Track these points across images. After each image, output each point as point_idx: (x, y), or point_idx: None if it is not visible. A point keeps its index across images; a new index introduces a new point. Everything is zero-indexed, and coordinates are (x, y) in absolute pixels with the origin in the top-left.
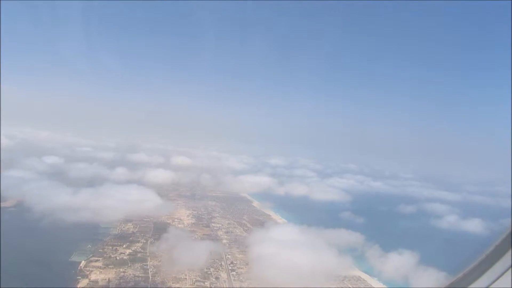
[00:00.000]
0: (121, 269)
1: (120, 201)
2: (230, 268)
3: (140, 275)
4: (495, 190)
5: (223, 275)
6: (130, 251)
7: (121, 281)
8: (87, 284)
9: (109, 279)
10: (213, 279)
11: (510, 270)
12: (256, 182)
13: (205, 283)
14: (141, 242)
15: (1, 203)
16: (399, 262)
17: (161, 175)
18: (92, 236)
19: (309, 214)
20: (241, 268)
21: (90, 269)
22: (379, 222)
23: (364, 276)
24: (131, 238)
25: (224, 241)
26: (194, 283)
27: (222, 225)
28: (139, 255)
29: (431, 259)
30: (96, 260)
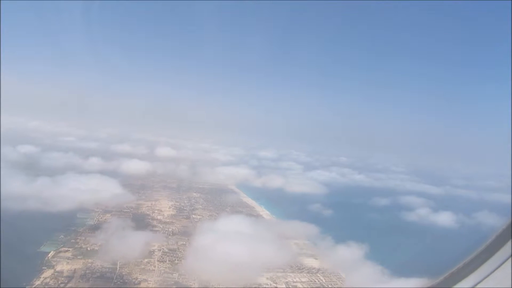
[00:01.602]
0: (90, 260)
1: (74, 191)
2: None
3: (108, 266)
4: (484, 184)
5: None
6: (103, 242)
7: (87, 271)
8: (51, 274)
9: (75, 269)
10: (182, 271)
11: (510, 260)
12: (233, 173)
13: (173, 274)
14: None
15: None
16: (343, 255)
17: (135, 166)
18: (66, 226)
19: (278, 206)
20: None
21: (58, 259)
22: (345, 214)
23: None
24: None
25: None
26: (161, 274)
27: (203, 216)
28: (110, 246)
29: (379, 253)
30: (66, 251)
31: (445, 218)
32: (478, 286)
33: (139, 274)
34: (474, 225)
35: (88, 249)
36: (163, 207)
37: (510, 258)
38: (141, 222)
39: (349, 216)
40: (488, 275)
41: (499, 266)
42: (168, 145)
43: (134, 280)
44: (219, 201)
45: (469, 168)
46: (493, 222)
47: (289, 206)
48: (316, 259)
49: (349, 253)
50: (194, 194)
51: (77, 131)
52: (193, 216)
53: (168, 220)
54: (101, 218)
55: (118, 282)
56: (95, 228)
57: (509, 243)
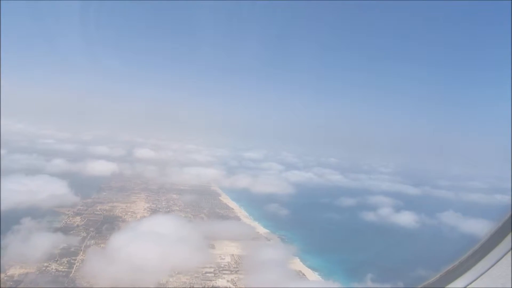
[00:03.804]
0: (46, 264)
1: (7, 192)
2: None
3: (63, 269)
4: (468, 185)
5: None
6: (65, 245)
7: (39, 275)
8: (1, 278)
9: (27, 273)
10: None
11: (510, 253)
12: (200, 174)
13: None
14: (81, 236)
15: None
16: (268, 254)
17: (100, 167)
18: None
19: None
20: None
21: (12, 263)
22: (301, 214)
23: (306, 270)
24: (72, 232)
25: None
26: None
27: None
28: (72, 249)
29: (310, 252)
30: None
31: (405, 218)
32: (473, 284)
33: (93, 278)
34: (433, 225)
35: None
36: (138, 209)
37: (506, 256)
38: (109, 224)
39: (303, 216)
40: (483, 273)
41: (494, 264)
42: (154, 147)
43: (86, 284)
44: (198, 203)
45: (460, 169)
46: (455, 222)
47: (246, 206)
48: (236, 260)
49: (275, 252)
50: (174, 196)
51: (60, 134)
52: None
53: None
54: (69, 220)
55: (69, 286)
56: (60, 230)
57: (504, 241)
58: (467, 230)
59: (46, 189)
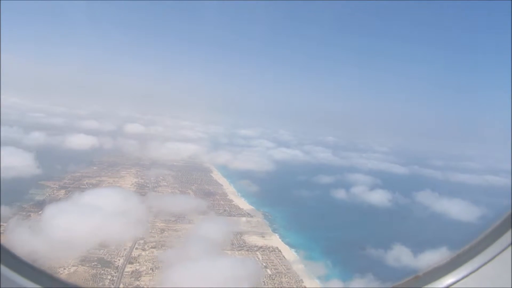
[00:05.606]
0: None
1: None
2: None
3: None
4: (461, 165)
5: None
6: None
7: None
8: None
9: None
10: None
11: (509, 247)
12: (180, 149)
13: (100, 251)
14: None
15: None
16: (209, 228)
17: (79, 141)
18: (11, 202)
19: None
20: None
21: None
22: (269, 190)
23: (282, 246)
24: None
25: None
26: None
27: (163, 194)
28: None
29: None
30: None
31: (377, 197)
32: (470, 276)
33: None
34: (405, 204)
35: None
36: (125, 184)
37: (505, 250)
38: None
39: (269, 192)
40: (480, 267)
41: (492, 258)
42: (147, 123)
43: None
44: (187, 179)
45: (460, 150)
46: (429, 202)
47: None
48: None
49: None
50: (165, 171)
51: (55, 108)
52: (153, 193)
53: None
54: (53, 193)
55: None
56: (41, 203)
57: (504, 236)
58: (439, 210)
59: (3, 161)
